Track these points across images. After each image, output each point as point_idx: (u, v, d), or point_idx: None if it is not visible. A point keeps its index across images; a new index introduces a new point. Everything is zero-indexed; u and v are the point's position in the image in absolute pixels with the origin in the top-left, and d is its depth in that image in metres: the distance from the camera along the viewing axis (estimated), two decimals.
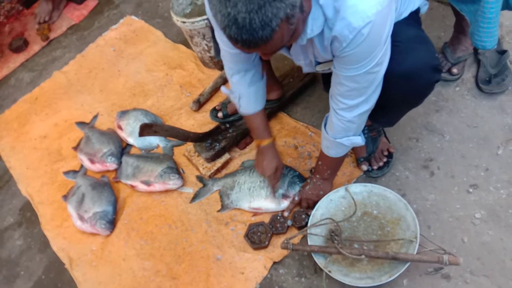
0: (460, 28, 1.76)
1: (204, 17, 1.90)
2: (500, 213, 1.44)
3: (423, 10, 1.39)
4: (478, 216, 1.45)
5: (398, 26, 1.17)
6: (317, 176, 1.55)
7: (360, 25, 1.00)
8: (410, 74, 1.19)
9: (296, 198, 1.60)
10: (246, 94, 1.47)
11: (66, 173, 2.00)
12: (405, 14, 1.28)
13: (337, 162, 1.50)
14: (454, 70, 1.77)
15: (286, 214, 1.60)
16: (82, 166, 2.00)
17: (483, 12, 1.37)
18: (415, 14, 1.33)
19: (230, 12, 0.86)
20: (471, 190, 1.51)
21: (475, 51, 1.80)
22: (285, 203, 1.61)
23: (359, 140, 1.35)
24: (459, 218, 1.46)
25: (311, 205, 1.56)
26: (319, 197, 1.54)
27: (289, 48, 1.25)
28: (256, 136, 1.58)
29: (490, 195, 1.48)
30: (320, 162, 1.51)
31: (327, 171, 1.51)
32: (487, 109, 1.68)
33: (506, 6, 1.42)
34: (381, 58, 1.11)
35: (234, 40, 0.91)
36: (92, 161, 1.94)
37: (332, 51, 1.12)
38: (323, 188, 1.55)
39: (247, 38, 0.89)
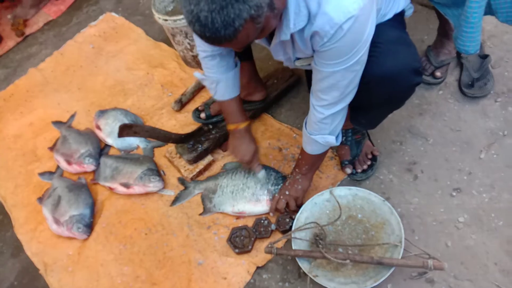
0: (444, 31, 1.77)
1: None
2: (483, 217, 1.45)
3: (408, 13, 1.39)
4: (461, 220, 1.45)
5: (381, 28, 1.17)
6: (296, 170, 1.54)
7: (341, 20, 1.00)
8: (390, 76, 1.18)
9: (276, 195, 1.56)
10: (225, 80, 1.46)
11: (42, 174, 1.92)
12: (389, 15, 1.27)
13: (315, 159, 1.48)
14: (438, 74, 1.77)
15: (271, 214, 1.57)
16: (58, 167, 1.92)
17: (466, 17, 1.37)
18: (399, 16, 1.32)
19: (193, 9, 0.88)
20: (454, 194, 1.52)
21: (458, 55, 1.81)
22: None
23: (333, 140, 1.35)
24: (443, 222, 1.46)
25: (290, 203, 1.52)
26: (297, 192, 1.52)
27: (269, 41, 1.22)
28: (232, 120, 1.55)
29: (473, 199, 1.49)
30: (300, 157, 1.51)
31: (305, 166, 1.50)
32: (470, 113, 1.68)
33: (489, 12, 1.43)
34: (362, 56, 1.11)
35: (200, 36, 0.93)
36: (69, 162, 1.86)
37: (312, 45, 1.11)
38: (301, 183, 1.53)
39: (210, 36, 0.91)
